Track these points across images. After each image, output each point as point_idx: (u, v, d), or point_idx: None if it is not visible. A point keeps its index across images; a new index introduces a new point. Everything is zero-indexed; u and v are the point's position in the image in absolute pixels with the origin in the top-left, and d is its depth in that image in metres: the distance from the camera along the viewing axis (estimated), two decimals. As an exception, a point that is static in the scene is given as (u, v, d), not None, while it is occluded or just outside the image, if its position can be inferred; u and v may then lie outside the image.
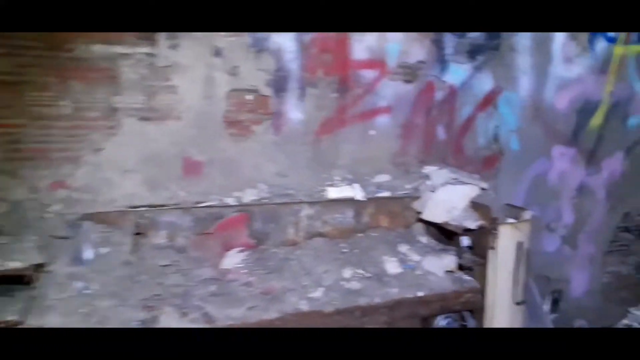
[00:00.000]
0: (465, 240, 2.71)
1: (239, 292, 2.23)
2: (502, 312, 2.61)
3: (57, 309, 1.88)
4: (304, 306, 2.23)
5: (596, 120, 3.60)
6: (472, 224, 2.52)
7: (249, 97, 2.55)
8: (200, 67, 2.46)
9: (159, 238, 2.40)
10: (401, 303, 2.37)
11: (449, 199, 2.69)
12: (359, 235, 2.78)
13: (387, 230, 2.83)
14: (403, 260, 2.62)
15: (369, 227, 2.81)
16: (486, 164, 3.26)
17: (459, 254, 2.64)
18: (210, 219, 2.49)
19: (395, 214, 2.86)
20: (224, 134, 2.56)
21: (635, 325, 4.01)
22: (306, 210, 2.68)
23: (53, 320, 1.83)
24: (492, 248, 2.53)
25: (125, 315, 1.92)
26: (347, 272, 2.48)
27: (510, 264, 2.58)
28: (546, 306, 3.85)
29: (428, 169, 2.95)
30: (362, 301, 2.31)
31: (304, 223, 2.68)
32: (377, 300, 2.35)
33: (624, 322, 4.02)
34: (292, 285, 2.33)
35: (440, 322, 2.69)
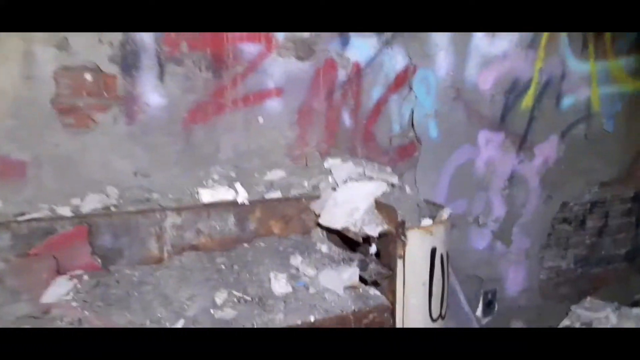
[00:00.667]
0: (373, 247, 2.28)
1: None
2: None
3: None
4: (153, 347, 1.73)
5: (526, 101, 3.25)
6: (374, 230, 2.08)
7: (87, 77, 2.01)
8: (13, 39, 1.91)
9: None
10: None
11: (350, 198, 2.25)
12: (244, 246, 2.29)
13: (280, 239, 2.36)
14: (295, 277, 2.15)
15: (257, 236, 2.33)
16: (402, 154, 2.84)
17: (363, 265, 2.20)
18: (36, 236, 1.94)
19: (290, 218, 2.39)
20: (55, 125, 2.00)
21: (577, 325, 3.74)
22: (172, 218, 2.16)
23: None
24: (401, 257, 2.11)
25: None
26: (221, 296, 1.99)
27: (423, 274, 2.17)
28: (479, 310, 3.51)
29: (330, 162, 2.50)
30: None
31: (170, 234, 2.16)
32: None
33: (566, 323, 3.74)
34: (141, 319, 1.82)
35: None
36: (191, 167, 2.29)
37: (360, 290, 2.19)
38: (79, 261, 1.99)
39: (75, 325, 1.72)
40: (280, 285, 2.07)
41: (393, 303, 2.16)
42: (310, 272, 2.16)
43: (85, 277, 1.91)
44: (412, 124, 2.82)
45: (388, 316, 2.13)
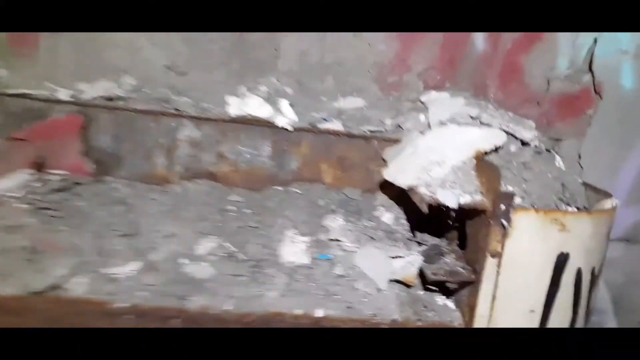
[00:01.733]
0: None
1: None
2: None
3: None
4: (81, 288, 1.25)
5: None
6: (453, 198, 1.24)
7: None
8: None
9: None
10: (272, 322, 1.26)
11: (438, 147, 1.42)
12: (275, 188, 1.66)
13: (327, 190, 1.65)
14: (322, 245, 1.45)
15: (298, 179, 1.68)
16: (565, 109, 1.80)
17: (432, 254, 1.38)
18: (28, 118, 1.59)
19: (350, 165, 1.66)
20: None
21: None
22: (189, 130, 1.64)
23: None
24: (496, 255, 1.23)
25: None
26: (206, 245, 1.41)
27: (535, 293, 1.26)
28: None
29: (431, 96, 1.67)
30: (196, 301, 1.25)
31: (184, 151, 1.65)
32: (228, 306, 1.26)
33: None
34: (87, 246, 1.35)
35: None
36: (240, 74, 1.73)
37: (420, 293, 1.39)
38: (66, 160, 1.62)
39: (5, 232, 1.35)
40: (293, 251, 1.40)
41: (469, 325, 1.31)
42: (350, 244, 1.43)
43: (54, 178, 1.53)
44: (591, 63, 1.78)
45: (456, 346, 1.30)
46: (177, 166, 1.67)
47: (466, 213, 1.32)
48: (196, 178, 1.66)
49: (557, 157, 1.67)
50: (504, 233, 1.23)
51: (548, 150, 1.73)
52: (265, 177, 1.69)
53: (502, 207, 1.22)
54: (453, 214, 1.31)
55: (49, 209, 1.42)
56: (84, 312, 1.23)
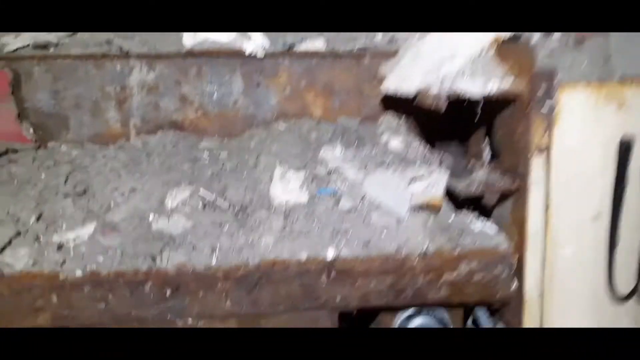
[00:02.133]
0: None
1: None
2: (569, 313, 1.08)
3: None
4: (21, 262, 0.97)
5: None
6: (482, 85, 0.99)
7: None
8: None
9: None
10: (271, 274, 0.99)
11: (446, 43, 1.17)
12: (255, 131, 1.40)
13: (318, 123, 1.39)
14: (320, 179, 1.19)
15: (280, 116, 1.40)
16: None
17: (460, 167, 1.12)
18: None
19: (340, 90, 1.39)
20: None
21: None
22: (141, 73, 1.35)
23: None
24: (543, 149, 0.99)
25: None
26: (177, 196, 1.13)
27: (597, 195, 1.01)
28: None
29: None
30: (170, 259, 0.98)
31: (139, 100, 1.36)
32: (211, 260, 0.99)
33: None
34: (28, 209, 1.07)
35: (411, 320, 1.21)
36: None
37: (451, 218, 1.13)
38: (2, 127, 1.35)
39: None
40: (286, 188, 1.13)
41: (520, 248, 1.06)
42: (353, 173, 1.17)
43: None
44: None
45: (506, 273, 1.04)
46: (133, 119, 1.39)
47: (495, 106, 1.07)
48: (158, 130, 1.41)
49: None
50: (549, 121, 0.98)
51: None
52: (240, 119, 1.40)
53: (543, 86, 0.98)
54: (479, 111, 1.06)
55: None
56: (28, 289, 0.95)
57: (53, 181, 1.16)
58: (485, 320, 1.16)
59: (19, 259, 0.98)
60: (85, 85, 1.38)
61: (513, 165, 1.08)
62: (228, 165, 1.23)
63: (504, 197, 1.09)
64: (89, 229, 1.05)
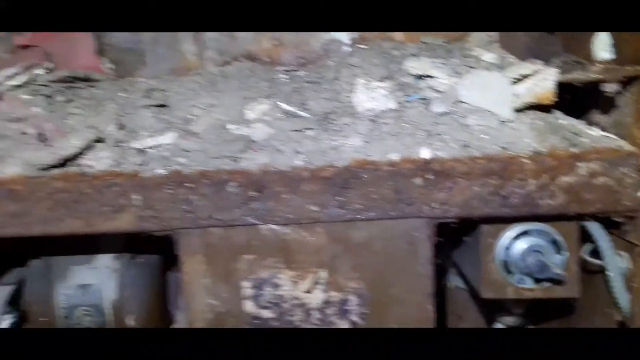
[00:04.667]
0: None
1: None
2: None
3: None
4: (103, 162, 0.95)
5: None
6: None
7: None
8: None
9: None
10: (360, 174, 0.90)
11: None
12: (334, 59, 1.31)
13: (402, 44, 1.31)
14: (407, 87, 1.09)
15: (360, 41, 1.33)
16: None
17: (571, 63, 1.00)
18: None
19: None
20: None
21: None
22: (217, 5, 1.35)
23: None
24: None
25: None
26: (256, 109, 1.08)
27: None
28: None
29: None
30: (254, 160, 0.92)
31: (212, 33, 1.35)
32: (297, 162, 0.93)
33: None
34: (110, 127, 1.04)
35: (518, 240, 1.06)
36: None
37: (562, 119, 1.00)
38: (79, 61, 1.35)
39: (13, 123, 1.07)
40: (371, 96, 1.05)
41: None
42: (444, 79, 1.07)
43: (65, 72, 1.25)
44: None
45: (632, 178, 0.90)
46: (209, 51, 1.39)
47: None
48: (233, 62, 1.38)
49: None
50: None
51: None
52: (317, 48, 1.37)
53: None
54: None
55: (58, 96, 1.16)
56: (109, 187, 0.93)
57: (132, 97, 1.15)
58: (604, 240, 1.02)
59: (100, 161, 0.97)
60: (162, 18, 1.40)
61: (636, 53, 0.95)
62: (306, 80, 1.17)
63: (627, 84, 0.95)
64: (169, 136, 1.03)
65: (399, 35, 1.33)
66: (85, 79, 1.25)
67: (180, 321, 1.18)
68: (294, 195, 0.93)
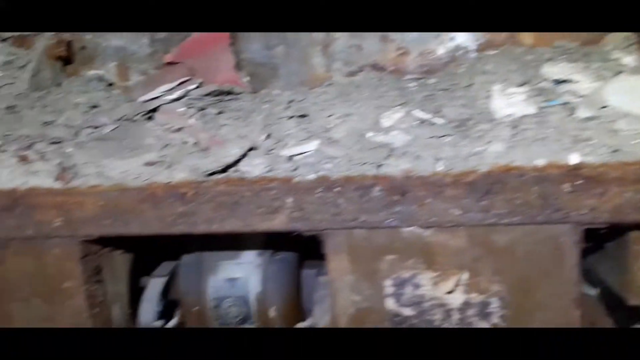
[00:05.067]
0: None
1: (146, 136, 1.20)
2: None
3: None
4: (258, 168, 1.04)
5: None
6: None
7: None
8: None
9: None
10: (504, 178, 0.92)
11: None
12: (463, 66, 1.32)
13: (533, 48, 1.28)
14: (545, 92, 1.08)
15: (487, 46, 1.33)
16: None
17: None
18: (175, 39, 1.50)
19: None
20: None
21: None
22: (345, 18, 1.41)
23: None
24: None
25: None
26: (391, 117, 1.13)
27: None
28: None
29: None
30: (396, 166, 0.97)
31: (342, 42, 1.41)
32: (438, 167, 0.96)
33: None
34: (260, 136, 1.14)
35: None
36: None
37: None
38: (220, 75, 1.47)
39: (174, 134, 1.21)
40: (508, 101, 1.06)
41: None
42: (586, 84, 1.05)
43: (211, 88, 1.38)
44: None
45: None
46: (337, 62, 1.46)
47: None
48: (359, 72, 1.44)
49: None
50: None
51: None
52: (444, 59, 1.40)
53: None
54: None
55: (209, 109, 1.29)
56: (265, 191, 1.02)
57: (276, 109, 1.26)
58: None
59: (255, 167, 1.08)
60: (294, 34, 1.50)
61: None
62: (439, 88, 1.21)
63: None
64: (314, 144, 1.11)
65: (528, 40, 1.33)
66: (229, 92, 1.39)
67: (317, 315, 1.26)
68: (436, 199, 0.97)
